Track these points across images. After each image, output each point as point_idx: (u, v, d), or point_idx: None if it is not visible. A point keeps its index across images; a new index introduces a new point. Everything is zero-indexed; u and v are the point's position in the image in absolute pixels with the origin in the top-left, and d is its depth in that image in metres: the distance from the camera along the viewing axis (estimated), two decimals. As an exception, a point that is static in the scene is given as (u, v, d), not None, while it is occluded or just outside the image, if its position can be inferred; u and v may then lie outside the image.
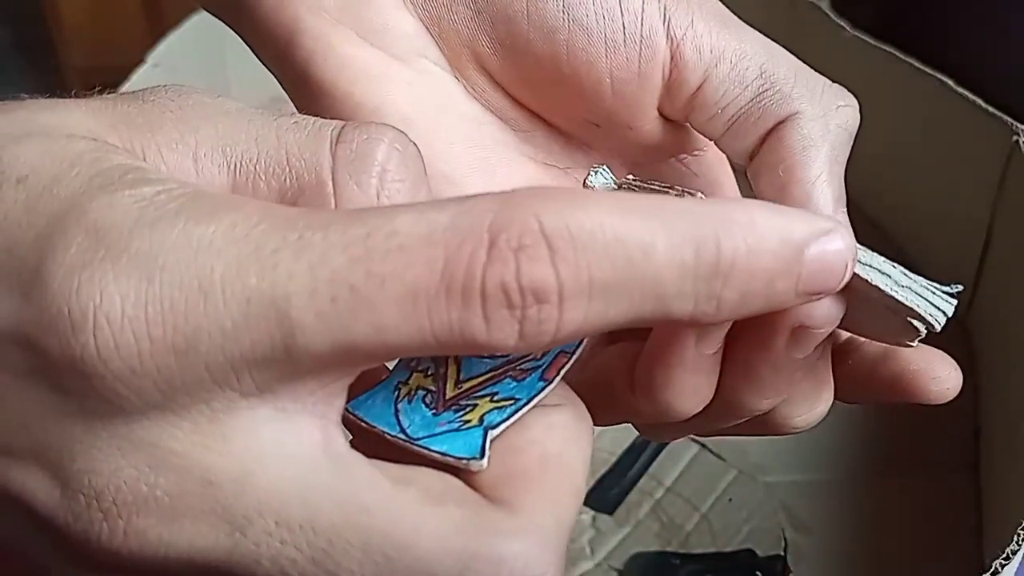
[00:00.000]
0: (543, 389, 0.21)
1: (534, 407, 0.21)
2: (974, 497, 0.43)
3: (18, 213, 0.19)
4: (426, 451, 0.21)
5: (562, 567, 0.20)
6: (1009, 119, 0.46)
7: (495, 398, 0.22)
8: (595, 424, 0.23)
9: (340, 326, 0.18)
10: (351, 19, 0.27)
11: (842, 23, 0.54)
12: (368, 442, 0.21)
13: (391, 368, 0.23)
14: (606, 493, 0.44)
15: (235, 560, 0.19)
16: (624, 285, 0.19)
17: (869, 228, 0.55)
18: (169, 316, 0.18)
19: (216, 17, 0.30)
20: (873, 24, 0.54)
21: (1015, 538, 0.32)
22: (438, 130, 0.27)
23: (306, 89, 0.27)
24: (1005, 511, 0.38)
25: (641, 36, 0.26)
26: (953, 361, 0.27)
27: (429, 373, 0.22)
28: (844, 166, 0.27)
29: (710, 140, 0.28)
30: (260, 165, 0.21)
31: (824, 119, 0.27)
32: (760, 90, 0.27)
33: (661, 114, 0.28)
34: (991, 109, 0.46)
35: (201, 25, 0.63)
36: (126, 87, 0.57)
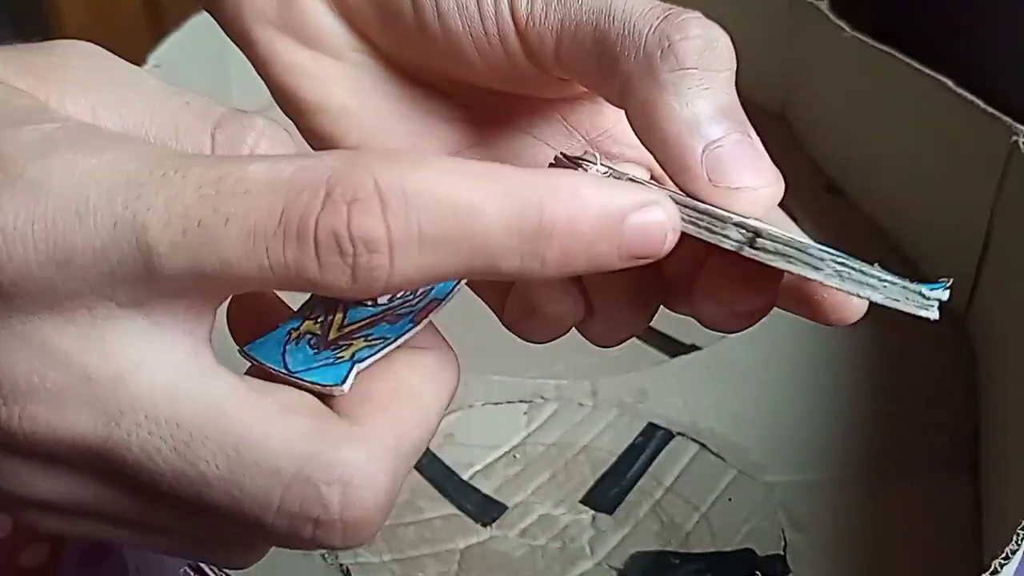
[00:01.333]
0: (410, 330, 0.24)
1: (400, 346, 0.24)
2: (974, 497, 0.43)
3: None
4: (299, 381, 0.24)
5: (394, 487, 0.23)
6: (1008, 120, 0.46)
7: (368, 338, 0.24)
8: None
9: (190, 255, 0.21)
10: (289, 27, 0.30)
11: (841, 23, 0.54)
12: (258, 376, 0.24)
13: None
14: (606, 493, 0.44)
15: (110, 446, 0.22)
16: (453, 241, 0.21)
17: (869, 228, 0.55)
18: (51, 233, 0.21)
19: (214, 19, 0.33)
20: (872, 24, 0.54)
21: (1015, 538, 0.32)
22: (373, 112, 0.31)
23: (269, 87, 0.31)
24: (1005, 511, 0.38)
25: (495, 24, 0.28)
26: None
27: (318, 320, 0.25)
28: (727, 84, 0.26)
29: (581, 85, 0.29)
30: (150, 132, 0.24)
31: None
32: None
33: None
34: (990, 110, 0.46)
35: (201, 25, 0.63)
36: (127, 87, 0.57)
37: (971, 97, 0.47)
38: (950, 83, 0.48)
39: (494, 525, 0.42)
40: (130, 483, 0.23)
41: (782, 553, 0.41)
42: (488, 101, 0.31)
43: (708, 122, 0.25)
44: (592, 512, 0.43)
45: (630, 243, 0.22)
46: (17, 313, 0.22)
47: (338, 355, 0.24)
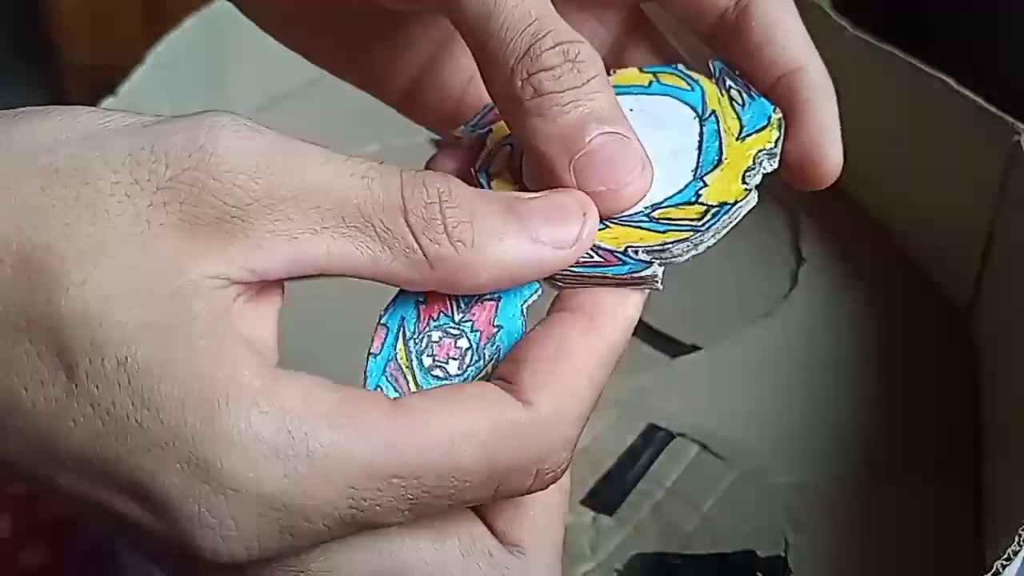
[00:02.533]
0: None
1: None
2: (974, 497, 0.43)
3: (126, 403, 0.21)
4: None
5: None
6: (1011, 119, 0.46)
7: None
8: None
9: (412, 519, 0.23)
10: None
11: (843, 23, 0.54)
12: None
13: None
14: (606, 494, 0.44)
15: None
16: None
17: (870, 228, 0.55)
18: (275, 538, 0.22)
19: None
20: (874, 24, 0.54)
21: (1016, 539, 0.32)
22: None
23: None
24: (1006, 511, 0.38)
25: None
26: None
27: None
28: None
29: None
30: (348, 236, 0.23)
31: None
32: None
33: None
34: (993, 109, 0.46)
35: (201, 25, 0.63)
36: (126, 87, 0.57)
37: (973, 96, 0.47)
38: (952, 82, 0.48)
39: (494, 526, 0.42)
40: None
41: (783, 554, 0.41)
42: None
43: (572, 134, 0.26)
44: (592, 513, 0.43)
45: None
46: (251, 566, 0.22)
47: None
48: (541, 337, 0.24)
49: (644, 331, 0.50)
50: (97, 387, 0.21)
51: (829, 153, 0.29)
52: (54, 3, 1.54)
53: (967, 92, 0.47)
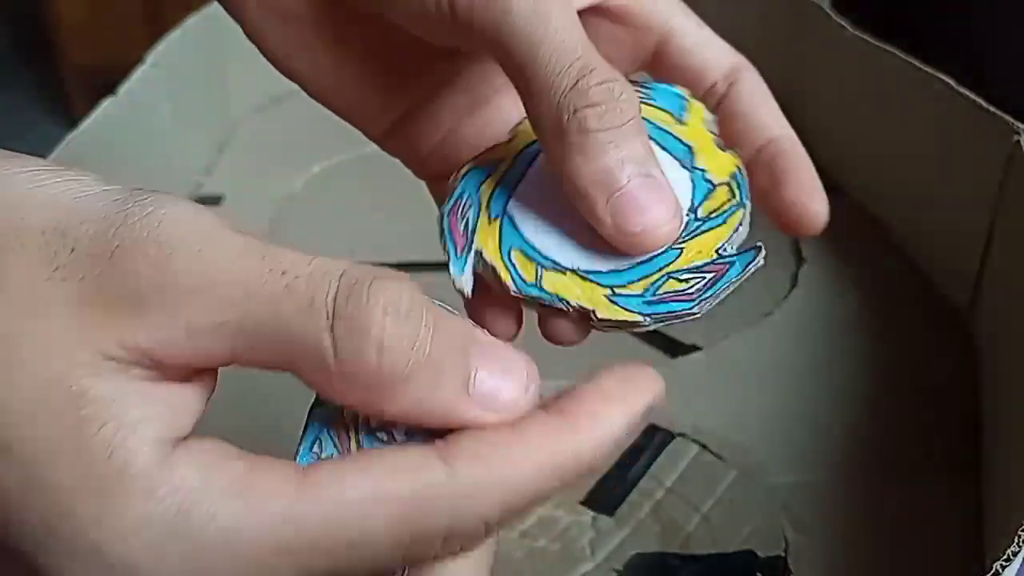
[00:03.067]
0: None
1: None
2: (974, 497, 0.43)
3: (16, 494, 0.21)
4: None
5: None
6: (1010, 119, 0.46)
7: None
8: None
9: None
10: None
11: (843, 23, 0.54)
12: None
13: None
14: (606, 494, 0.44)
15: None
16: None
17: (870, 227, 0.55)
18: None
19: None
20: (874, 23, 0.54)
21: (1016, 539, 0.32)
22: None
23: None
24: (1005, 512, 0.38)
25: None
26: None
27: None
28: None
29: None
30: (256, 335, 0.22)
31: None
32: None
33: None
34: (992, 109, 0.46)
35: (201, 25, 0.63)
36: (126, 87, 0.57)
37: (973, 96, 0.47)
38: (951, 82, 0.48)
39: (494, 526, 0.42)
40: None
41: (783, 554, 0.41)
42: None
43: (610, 174, 0.27)
44: (592, 513, 0.43)
45: None
46: None
47: None
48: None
49: (644, 331, 0.50)
50: None
51: (818, 207, 0.31)
52: (54, 3, 1.54)
53: (967, 92, 0.47)
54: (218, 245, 0.22)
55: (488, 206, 0.29)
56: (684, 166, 0.30)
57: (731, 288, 0.28)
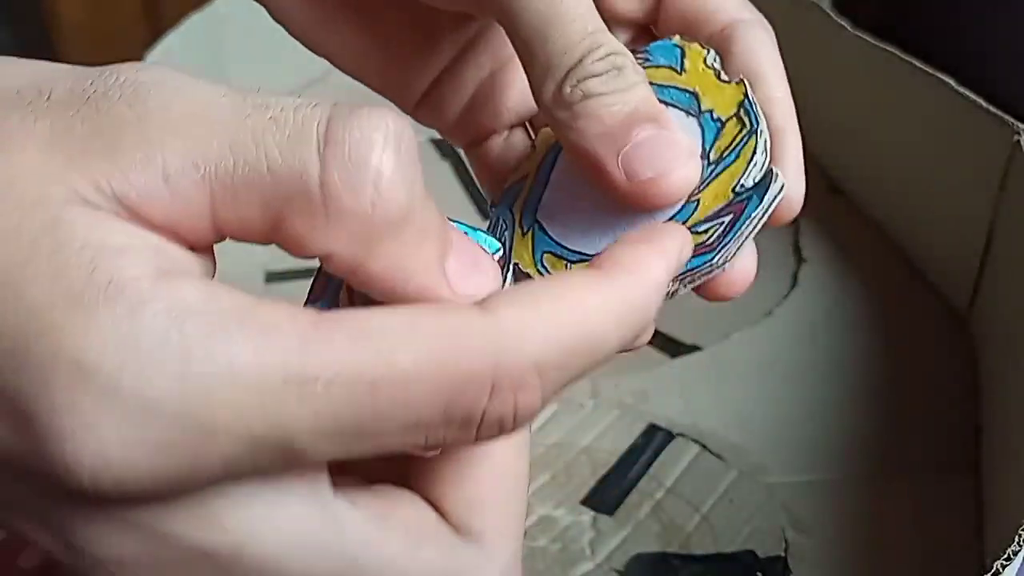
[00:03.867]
0: None
1: None
2: (974, 497, 0.43)
3: None
4: None
5: None
6: (1011, 119, 0.46)
7: None
8: None
9: (345, 451, 0.19)
10: None
11: (843, 23, 0.54)
12: None
13: None
14: (606, 494, 0.44)
15: None
16: (583, 375, 0.22)
17: (871, 228, 0.55)
18: (170, 457, 0.18)
19: None
20: (874, 24, 0.54)
21: (1016, 539, 0.32)
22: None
23: None
24: (1006, 511, 0.38)
25: None
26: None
27: None
28: None
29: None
30: (238, 175, 0.19)
31: None
32: None
33: None
34: (992, 109, 0.46)
35: (201, 25, 0.63)
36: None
37: (973, 96, 0.47)
38: (952, 82, 0.48)
39: (494, 526, 0.42)
40: None
41: (783, 554, 0.41)
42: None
43: (618, 131, 0.26)
44: (592, 513, 0.43)
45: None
46: (118, 507, 0.19)
47: None
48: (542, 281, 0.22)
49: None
50: None
51: (799, 196, 0.29)
52: (54, 3, 1.54)
53: (967, 92, 0.47)
54: (198, 87, 0.20)
55: (520, 222, 0.29)
56: (691, 113, 0.29)
57: (754, 227, 0.27)
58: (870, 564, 0.41)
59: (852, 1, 0.57)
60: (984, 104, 0.46)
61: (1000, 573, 0.31)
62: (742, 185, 0.27)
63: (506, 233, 0.29)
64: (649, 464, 0.45)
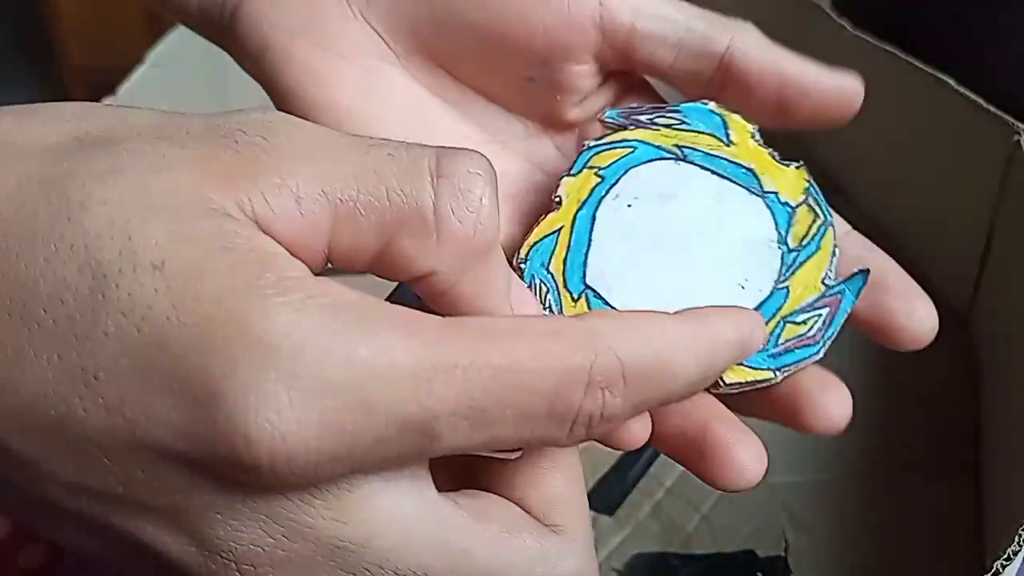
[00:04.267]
0: None
1: None
2: (974, 497, 0.43)
3: (164, 306, 0.20)
4: None
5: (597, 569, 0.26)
6: (1011, 119, 0.46)
7: None
8: None
9: (468, 438, 0.22)
10: (309, 32, 0.31)
11: (843, 23, 0.54)
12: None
13: None
14: (607, 494, 0.44)
15: None
16: (655, 398, 0.24)
17: (871, 228, 0.55)
18: (336, 435, 0.20)
19: (197, 32, 0.33)
20: (874, 23, 0.54)
21: (1016, 538, 0.32)
22: (378, 116, 0.31)
23: (276, 93, 0.31)
24: (1006, 511, 0.38)
25: None
26: (844, 390, 0.30)
27: None
28: None
29: (663, 76, 0.31)
30: (360, 201, 0.22)
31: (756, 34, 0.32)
32: (694, 16, 0.31)
33: (603, 64, 0.31)
34: (992, 109, 0.46)
35: (201, 25, 0.63)
36: (126, 87, 0.57)
37: (973, 96, 0.47)
38: (952, 82, 0.48)
39: (494, 526, 0.42)
40: None
41: (783, 554, 0.41)
42: (494, 114, 0.32)
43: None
44: (593, 513, 0.43)
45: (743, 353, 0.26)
46: (262, 496, 0.21)
47: None
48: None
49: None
50: (130, 294, 0.20)
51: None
52: (54, 3, 1.54)
53: (967, 92, 0.47)
54: (319, 127, 0.23)
55: (565, 286, 0.28)
56: (753, 192, 0.29)
57: (845, 319, 0.27)
58: (870, 564, 0.41)
59: (852, 1, 0.57)
60: (984, 104, 0.46)
61: (1000, 573, 0.31)
62: (828, 277, 0.28)
63: (549, 296, 0.28)
64: (649, 464, 0.45)
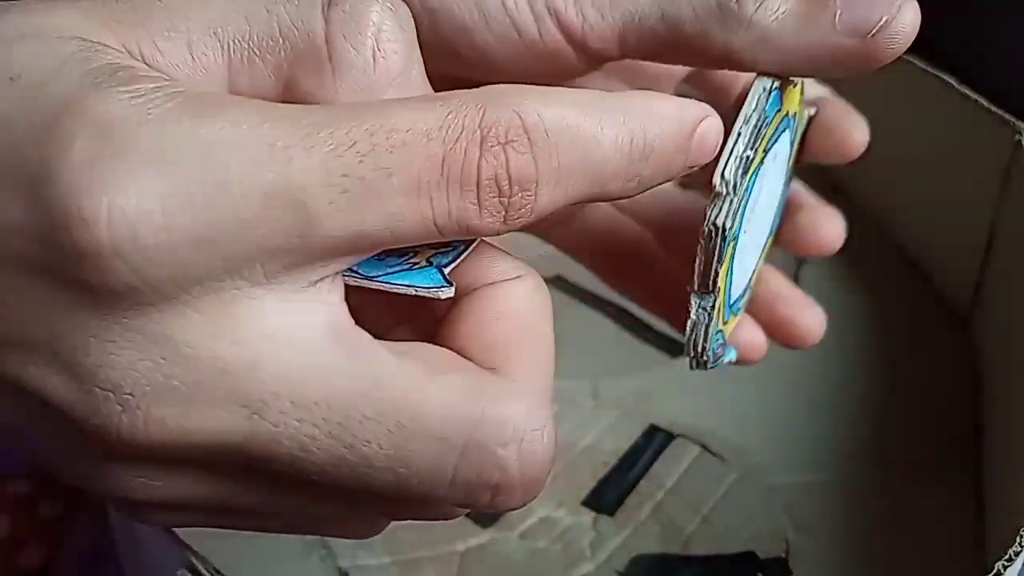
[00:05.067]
0: (473, 242, 0.23)
1: (472, 252, 0.23)
2: (975, 497, 0.43)
3: (14, 111, 0.19)
4: (390, 286, 0.22)
5: (554, 430, 0.23)
6: (1012, 118, 0.46)
7: (433, 245, 0.23)
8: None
9: (353, 215, 0.20)
10: None
11: (843, 22, 0.54)
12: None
13: None
14: (606, 495, 0.44)
15: (254, 441, 0.20)
16: (580, 170, 0.21)
17: (872, 227, 0.55)
18: (188, 209, 0.19)
19: None
20: (874, 23, 0.54)
21: (1017, 540, 0.32)
22: None
23: None
24: (1006, 512, 0.38)
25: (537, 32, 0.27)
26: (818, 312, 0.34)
27: None
28: None
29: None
30: (253, 41, 0.21)
31: None
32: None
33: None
34: (994, 109, 0.46)
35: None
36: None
37: (974, 96, 0.47)
38: (954, 82, 0.48)
39: (494, 527, 0.42)
40: (272, 476, 0.21)
41: (784, 555, 0.41)
42: None
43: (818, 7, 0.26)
44: (593, 514, 0.43)
45: (694, 152, 0.24)
46: (133, 307, 0.19)
47: (410, 260, 0.23)
48: None
49: (644, 331, 0.50)
50: None
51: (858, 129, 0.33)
52: None
53: (968, 92, 0.47)
54: None
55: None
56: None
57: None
58: (871, 565, 0.41)
59: (853, 1, 0.57)
60: (985, 104, 0.46)
61: (1002, 574, 0.31)
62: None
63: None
64: (649, 465, 0.45)
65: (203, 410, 0.20)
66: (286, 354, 0.20)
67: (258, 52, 0.21)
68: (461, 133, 0.20)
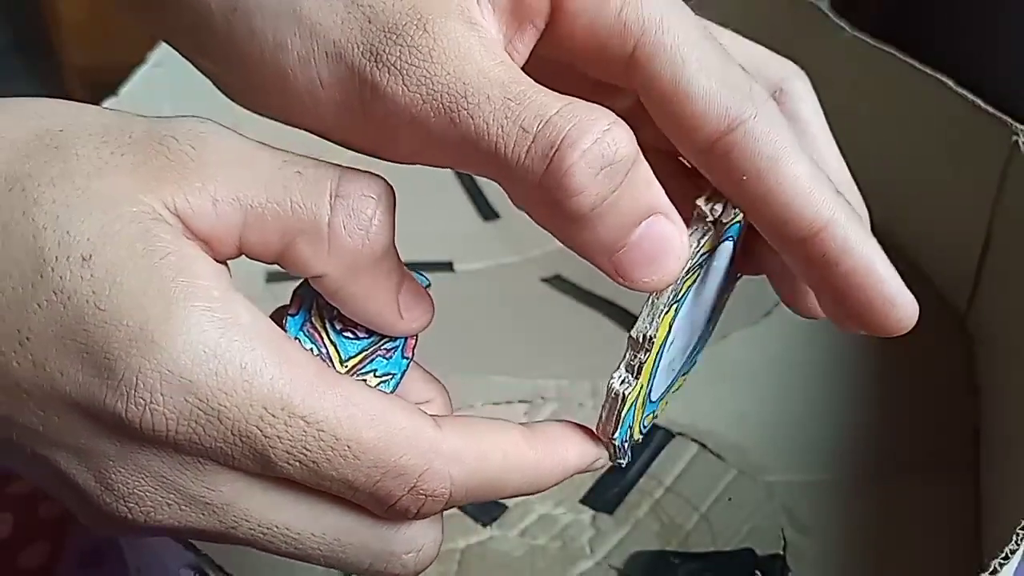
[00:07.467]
0: (407, 363, 0.29)
1: (403, 377, 0.29)
2: (974, 497, 0.43)
3: (86, 292, 0.24)
4: None
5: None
6: (1009, 119, 0.46)
7: (376, 373, 0.29)
8: None
9: (299, 476, 0.26)
10: None
11: (842, 23, 0.54)
12: None
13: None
14: (606, 492, 0.44)
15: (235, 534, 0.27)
16: (485, 494, 0.28)
17: (870, 227, 0.55)
18: (189, 425, 0.25)
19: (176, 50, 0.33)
20: (873, 24, 0.54)
21: (1014, 538, 0.32)
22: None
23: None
24: (1005, 511, 0.38)
25: None
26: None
27: (315, 355, 0.28)
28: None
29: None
30: (267, 209, 0.26)
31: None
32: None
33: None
34: (991, 109, 0.46)
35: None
36: (128, 87, 0.57)
37: (972, 97, 0.47)
38: (951, 83, 0.48)
39: (494, 525, 0.42)
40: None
41: (782, 553, 0.41)
42: None
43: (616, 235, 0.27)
44: (592, 512, 0.43)
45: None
46: (143, 451, 0.26)
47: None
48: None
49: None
50: (61, 278, 0.24)
51: (902, 303, 0.32)
52: (54, 3, 1.54)
53: (966, 93, 0.47)
54: (244, 141, 0.27)
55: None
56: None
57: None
58: (869, 564, 0.41)
59: (852, 1, 0.57)
60: (983, 105, 0.47)
61: (998, 572, 0.31)
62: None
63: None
64: (648, 463, 0.45)
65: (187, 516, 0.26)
66: (253, 503, 0.27)
67: (269, 218, 0.26)
68: (399, 481, 0.26)
